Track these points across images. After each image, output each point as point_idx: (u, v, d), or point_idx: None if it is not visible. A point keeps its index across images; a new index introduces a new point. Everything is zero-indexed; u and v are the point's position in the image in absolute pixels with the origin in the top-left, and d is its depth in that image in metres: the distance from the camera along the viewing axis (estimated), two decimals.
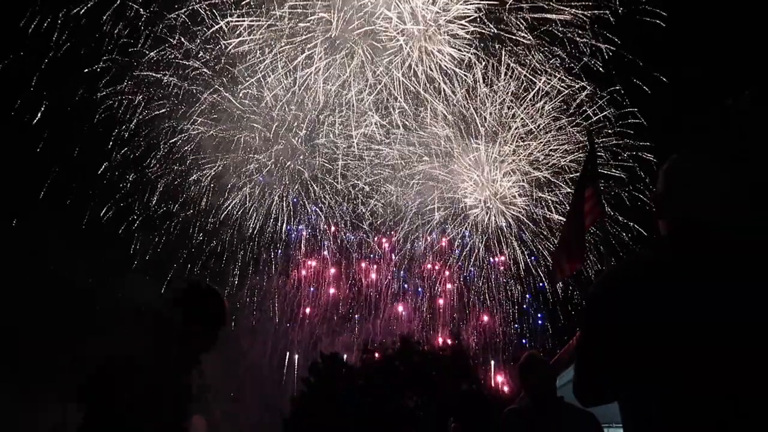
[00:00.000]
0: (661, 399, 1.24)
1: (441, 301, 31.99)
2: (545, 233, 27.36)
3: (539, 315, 31.47)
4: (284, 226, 29.49)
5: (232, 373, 29.54)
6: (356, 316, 32.31)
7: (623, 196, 25.65)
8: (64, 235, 28.35)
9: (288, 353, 32.09)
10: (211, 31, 23.22)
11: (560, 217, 25.30)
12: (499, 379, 30.12)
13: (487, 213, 28.06)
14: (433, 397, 22.53)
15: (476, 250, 29.16)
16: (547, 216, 27.16)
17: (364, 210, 29.62)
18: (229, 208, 28.10)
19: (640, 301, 1.29)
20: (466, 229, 28.92)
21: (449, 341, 26.68)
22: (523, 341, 31.71)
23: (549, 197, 26.93)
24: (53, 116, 24.95)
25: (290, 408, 25.17)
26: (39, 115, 24.49)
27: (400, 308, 32.48)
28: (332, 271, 32.15)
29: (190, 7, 23.06)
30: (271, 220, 29.10)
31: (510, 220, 27.85)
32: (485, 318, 31.21)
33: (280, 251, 30.97)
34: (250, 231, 28.96)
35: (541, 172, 26.38)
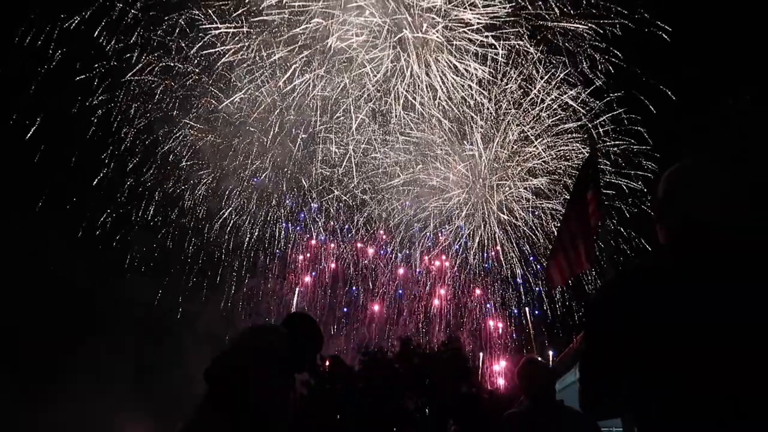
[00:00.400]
0: (661, 400, 1.23)
1: (438, 303, 32.03)
2: (542, 240, 27.37)
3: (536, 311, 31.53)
4: (282, 230, 29.53)
5: None
6: (353, 297, 32.28)
7: (622, 207, 25.64)
8: (63, 235, 28.39)
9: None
10: (207, 37, 23.24)
11: (557, 223, 25.25)
12: (491, 323, 30.26)
13: (483, 219, 28.07)
14: (432, 398, 22.52)
15: (474, 256, 29.18)
16: (545, 223, 27.18)
17: (359, 217, 29.68)
18: (226, 214, 28.13)
19: (639, 305, 1.29)
20: (462, 236, 28.95)
21: (446, 341, 26.63)
22: (516, 312, 31.81)
23: (547, 203, 26.95)
24: (50, 125, 24.99)
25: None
26: (38, 121, 24.52)
27: (400, 308, 32.51)
28: (331, 245, 32.03)
29: (187, 15, 23.09)
30: (268, 225, 29.13)
31: (507, 227, 27.88)
32: (477, 291, 31.31)
33: (279, 253, 30.99)
34: (248, 235, 28.99)
35: (538, 179, 26.40)
